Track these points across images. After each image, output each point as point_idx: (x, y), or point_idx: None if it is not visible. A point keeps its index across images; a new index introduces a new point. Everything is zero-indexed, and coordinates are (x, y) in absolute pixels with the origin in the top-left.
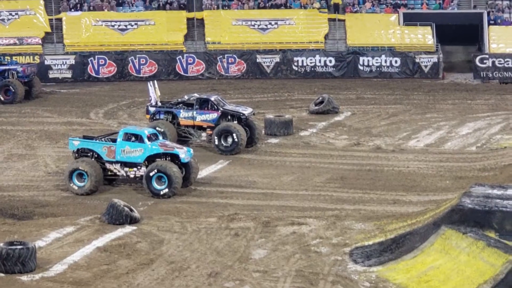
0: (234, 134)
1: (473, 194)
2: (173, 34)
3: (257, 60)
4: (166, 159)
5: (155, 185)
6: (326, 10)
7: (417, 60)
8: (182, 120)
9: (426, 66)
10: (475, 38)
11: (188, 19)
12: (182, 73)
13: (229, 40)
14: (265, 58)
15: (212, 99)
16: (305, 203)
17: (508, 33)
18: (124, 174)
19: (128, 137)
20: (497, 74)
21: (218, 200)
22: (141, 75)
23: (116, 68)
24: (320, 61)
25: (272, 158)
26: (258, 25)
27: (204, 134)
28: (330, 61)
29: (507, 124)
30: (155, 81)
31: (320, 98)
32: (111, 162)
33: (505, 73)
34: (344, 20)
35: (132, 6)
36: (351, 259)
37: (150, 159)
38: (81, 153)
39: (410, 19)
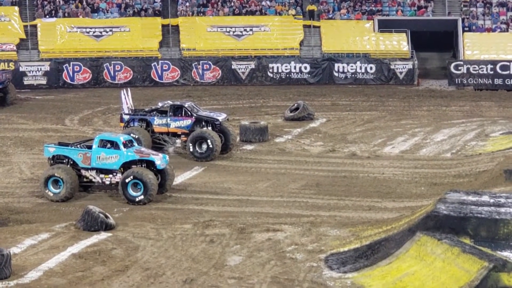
0: (208, 141)
1: (448, 201)
2: (148, 40)
3: (232, 67)
4: (142, 166)
5: (131, 191)
6: (301, 16)
7: (392, 67)
8: (156, 127)
9: (401, 73)
10: (450, 45)
11: (163, 26)
12: (157, 79)
13: (204, 47)
14: (240, 64)
15: (186, 105)
16: (280, 209)
17: (482, 40)
18: (100, 181)
19: (103, 143)
20: (471, 80)
21: (193, 207)
22: (116, 82)
23: (91, 75)
24: (295, 67)
25: (247, 164)
26: (233, 32)
27: (178, 141)
28: (305, 68)
29: (481, 130)
30: (128, 89)
31: (295, 104)
32: (86, 169)
33: (479, 79)
34: (319, 27)
35: (107, 12)
36: (327, 265)
37: (126, 166)
38: (56, 160)
39: (385, 26)
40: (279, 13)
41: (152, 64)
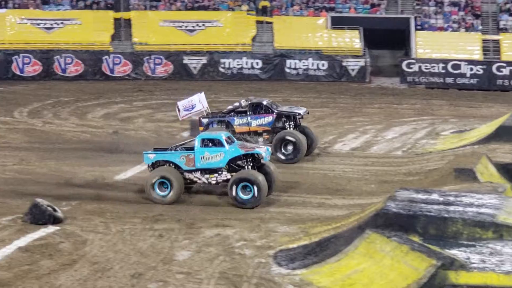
0: (292, 138)
1: (398, 198)
2: (100, 34)
3: (184, 62)
4: (247, 161)
5: (241, 194)
6: (254, 12)
7: (344, 64)
8: (237, 127)
9: (353, 70)
10: (402, 43)
11: (115, 19)
12: (108, 73)
13: (156, 41)
14: (192, 59)
15: (264, 102)
16: (229, 205)
17: (434, 39)
18: (206, 181)
19: (205, 143)
20: (423, 79)
21: (142, 201)
22: (67, 75)
23: (41, 67)
24: (247, 63)
25: None
26: (186, 27)
27: (261, 139)
28: (257, 64)
29: (432, 129)
30: (203, 92)
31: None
32: (190, 171)
33: (431, 78)
34: (271, 23)
35: (59, 5)
36: (275, 261)
37: (231, 163)
38: (157, 166)
39: (338, 23)
40: (231, 8)
41: (104, 58)
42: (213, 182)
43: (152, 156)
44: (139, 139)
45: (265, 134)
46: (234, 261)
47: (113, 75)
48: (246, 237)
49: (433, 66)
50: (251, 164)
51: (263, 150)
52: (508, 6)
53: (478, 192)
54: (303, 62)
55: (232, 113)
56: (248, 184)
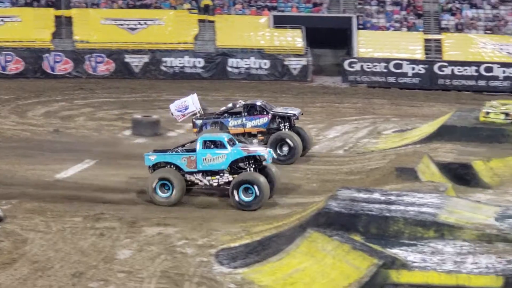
0: (288, 140)
1: (340, 198)
2: (41, 31)
3: (126, 60)
4: (249, 162)
5: (242, 196)
6: (196, 11)
7: (286, 63)
8: (232, 128)
9: (295, 69)
10: (345, 42)
11: (56, 17)
12: (49, 71)
13: (98, 39)
14: (134, 58)
15: (258, 103)
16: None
17: (376, 38)
18: (207, 183)
19: (207, 145)
20: (365, 78)
21: (83, 200)
22: (7, 73)
23: None
24: (189, 62)
25: (139, 158)
26: (127, 25)
27: (255, 141)
28: (199, 62)
29: (374, 128)
30: (195, 94)
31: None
32: (191, 173)
33: (373, 77)
34: (213, 22)
35: None
36: (217, 260)
37: (233, 164)
38: (158, 167)
39: (280, 22)
40: (174, 7)
41: (44, 56)
42: (215, 184)
43: (153, 158)
44: (80, 137)
45: (260, 135)
46: (175, 260)
47: (54, 73)
48: (188, 236)
49: (375, 66)
50: (253, 166)
51: (266, 152)
52: (449, 6)
53: (419, 191)
54: (245, 61)
55: (226, 114)
56: (249, 185)
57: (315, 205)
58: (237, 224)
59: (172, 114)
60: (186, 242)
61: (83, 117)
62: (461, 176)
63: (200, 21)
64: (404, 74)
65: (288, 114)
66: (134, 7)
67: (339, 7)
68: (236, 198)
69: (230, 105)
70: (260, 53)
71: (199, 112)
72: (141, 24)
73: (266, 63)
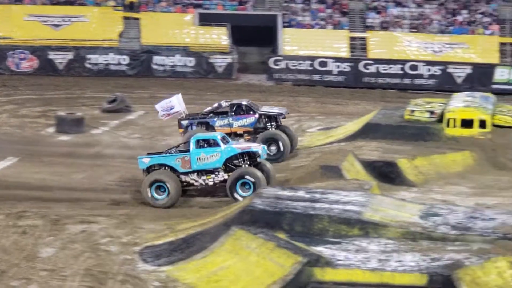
0: (280, 142)
1: (264, 195)
2: None
3: (50, 57)
4: (243, 160)
5: (240, 191)
6: (121, 8)
7: (211, 61)
8: (218, 128)
9: (220, 67)
10: (270, 40)
11: None
12: None
13: (21, 36)
14: (58, 55)
15: (244, 103)
16: (95, 201)
17: (301, 36)
18: (202, 183)
19: (200, 144)
20: (290, 76)
21: (5, 198)
22: None
23: None
24: (114, 59)
25: (63, 156)
26: (51, 21)
27: (242, 141)
28: (124, 60)
29: (299, 126)
30: (180, 94)
31: (113, 96)
32: (186, 173)
33: (298, 75)
34: (139, 19)
35: None
36: (141, 258)
37: (228, 162)
38: (152, 170)
39: (206, 20)
40: (98, 4)
41: None
42: (210, 183)
43: (146, 161)
44: (2, 135)
45: (246, 135)
46: (99, 257)
47: None
48: (112, 234)
49: (300, 63)
50: (248, 163)
51: (260, 148)
52: (375, 4)
53: (344, 189)
54: (170, 59)
55: (211, 114)
56: (246, 180)
57: (239, 203)
58: (162, 221)
59: (159, 114)
60: (110, 239)
61: (6, 114)
62: (386, 174)
63: (125, 18)
64: (329, 72)
65: (275, 114)
66: (58, 3)
67: (264, 5)
68: (236, 195)
69: (215, 105)
70: (185, 51)
71: (184, 112)
72: (65, 21)
73: (191, 61)
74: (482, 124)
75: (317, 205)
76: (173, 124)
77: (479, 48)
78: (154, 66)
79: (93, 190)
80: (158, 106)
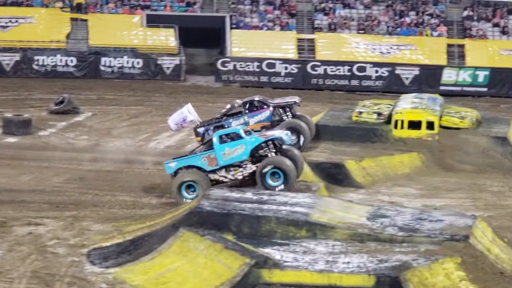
0: (300, 135)
1: (212, 197)
2: None
3: None
4: (269, 148)
5: (270, 181)
6: (68, 9)
7: (159, 62)
8: None
9: (168, 68)
10: (218, 41)
11: None
12: None
13: None
14: (5, 56)
15: (256, 98)
16: (42, 203)
17: (249, 37)
18: (232, 178)
19: (223, 139)
20: (238, 77)
21: None
22: None
23: None
24: (61, 60)
25: (10, 157)
26: None
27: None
28: (72, 61)
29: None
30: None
31: (61, 98)
32: (214, 171)
33: (246, 76)
34: (86, 20)
35: None
36: (89, 260)
37: (254, 153)
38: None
39: (154, 21)
40: (45, 5)
41: None
42: (240, 177)
43: (173, 165)
44: None
45: (264, 130)
46: (46, 260)
47: None
48: (59, 236)
49: (248, 65)
50: (273, 151)
51: (283, 134)
52: (323, 5)
53: (292, 191)
54: (118, 60)
55: (225, 117)
56: (276, 170)
57: (187, 204)
58: (109, 223)
59: (172, 129)
60: (58, 241)
61: None
62: (334, 175)
63: (73, 19)
64: (277, 74)
65: (289, 103)
66: (5, 4)
67: (212, 6)
68: (265, 183)
69: (228, 106)
70: (133, 52)
71: (198, 120)
72: (12, 22)
73: (139, 62)
74: (430, 125)
75: (265, 206)
76: (120, 126)
77: (427, 49)
78: (102, 68)
79: (40, 192)
80: (170, 121)
